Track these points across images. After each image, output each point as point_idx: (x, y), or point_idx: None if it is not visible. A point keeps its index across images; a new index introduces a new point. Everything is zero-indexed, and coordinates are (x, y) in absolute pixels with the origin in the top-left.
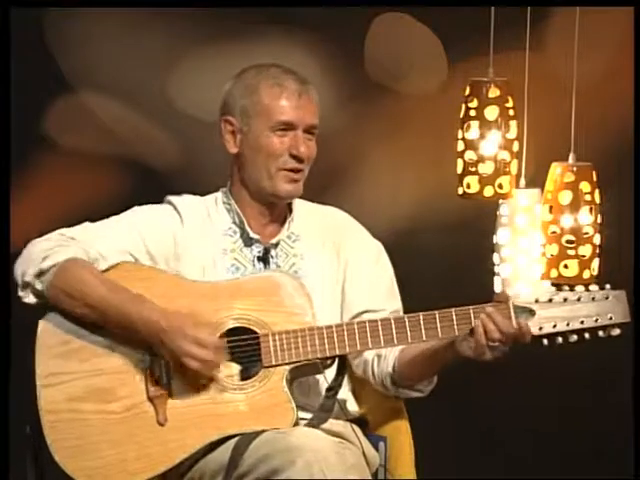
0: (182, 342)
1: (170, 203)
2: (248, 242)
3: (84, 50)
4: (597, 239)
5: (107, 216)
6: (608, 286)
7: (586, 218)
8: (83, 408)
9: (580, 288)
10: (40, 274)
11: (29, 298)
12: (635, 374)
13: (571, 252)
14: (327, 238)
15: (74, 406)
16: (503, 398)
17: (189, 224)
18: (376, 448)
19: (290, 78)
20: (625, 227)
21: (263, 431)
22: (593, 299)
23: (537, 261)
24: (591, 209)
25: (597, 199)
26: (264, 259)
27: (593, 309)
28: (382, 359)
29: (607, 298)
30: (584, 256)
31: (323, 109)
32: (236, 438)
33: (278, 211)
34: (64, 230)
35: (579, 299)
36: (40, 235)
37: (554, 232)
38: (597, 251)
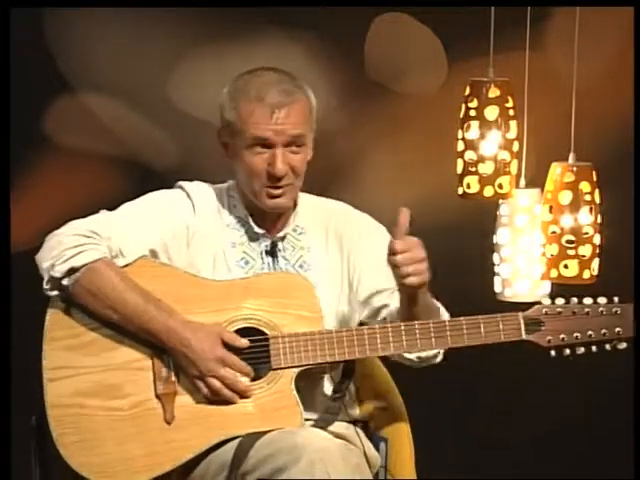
0: (209, 364)
1: (182, 189)
2: (254, 237)
3: (84, 50)
4: (597, 239)
5: None
6: (616, 299)
7: (586, 218)
8: (90, 403)
9: (588, 300)
10: (70, 271)
11: (52, 292)
12: (636, 375)
13: (571, 252)
14: (330, 231)
15: (81, 401)
16: (503, 399)
17: (200, 212)
18: (377, 449)
19: (274, 89)
20: (625, 227)
21: (268, 430)
22: (602, 313)
23: (537, 261)
24: (591, 209)
25: (597, 199)
26: (272, 252)
27: (601, 322)
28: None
29: (616, 313)
30: (584, 256)
31: (323, 109)
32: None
33: None
34: (84, 222)
35: (587, 313)
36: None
37: (554, 232)
38: (597, 251)
